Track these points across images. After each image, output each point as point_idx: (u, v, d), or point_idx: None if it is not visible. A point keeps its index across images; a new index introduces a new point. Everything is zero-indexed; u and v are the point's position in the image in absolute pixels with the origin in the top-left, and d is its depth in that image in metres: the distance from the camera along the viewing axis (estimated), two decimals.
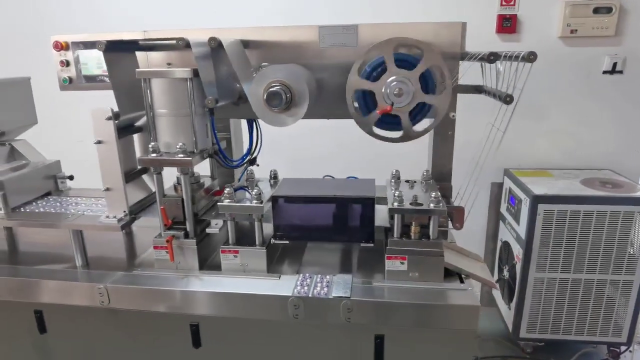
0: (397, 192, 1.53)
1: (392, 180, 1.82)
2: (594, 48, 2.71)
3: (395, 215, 1.55)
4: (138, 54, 1.86)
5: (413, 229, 1.56)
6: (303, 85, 1.51)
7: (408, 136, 1.53)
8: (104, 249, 1.93)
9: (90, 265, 1.81)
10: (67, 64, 1.97)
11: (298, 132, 2.92)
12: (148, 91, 1.61)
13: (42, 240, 2.03)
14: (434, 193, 1.53)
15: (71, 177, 2.15)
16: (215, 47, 1.52)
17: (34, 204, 1.95)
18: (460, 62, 1.74)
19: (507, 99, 1.40)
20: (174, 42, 1.53)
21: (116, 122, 1.65)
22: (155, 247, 1.70)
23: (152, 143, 1.62)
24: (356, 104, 1.60)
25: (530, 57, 1.34)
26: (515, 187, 2.69)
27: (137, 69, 1.61)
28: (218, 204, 1.64)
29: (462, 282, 1.60)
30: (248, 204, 1.62)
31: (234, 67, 1.54)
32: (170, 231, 1.67)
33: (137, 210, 1.81)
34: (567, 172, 2.80)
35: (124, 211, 1.72)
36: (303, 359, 1.66)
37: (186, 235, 1.68)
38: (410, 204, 1.54)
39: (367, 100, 1.52)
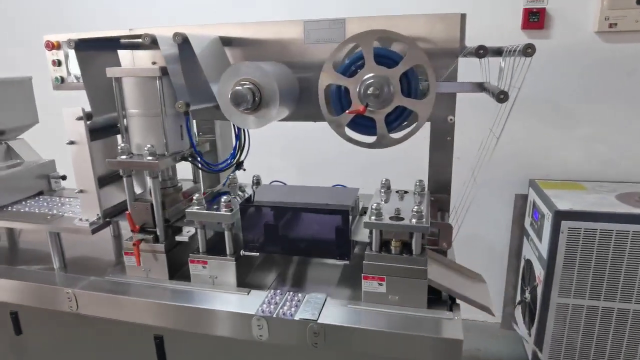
0: (375, 204, 1.37)
1: (382, 190, 1.65)
2: (637, 44, 2.38)
3: (374, 231, 1.38)
4: (124, 53, 1.81)
5: (393, 243, 1.38)
6: (274, 85, 1.38)
7: (381, 143, 1.36)
8: (87, 251, 1.90)
9: (69, 268, 1.77)
10: (59, 63, 1.95)
11: (309, 136, 2.80)
12: (119, 91, 1.55)
13: (31, 240, 2.03)
14: (416, 207, 1.35)
15: (64, 177, 2.14)
16: (181, 43, 1.42)
17: (23, 203, 1.95)
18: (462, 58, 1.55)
19: (500, 97, 1.21)
20: (140, 39, 1.45)
21: (88, 122, 1.59)
22: (125, 253, 1.63)
23: (122, 144, 1.56)
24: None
25: (528, 50, 1.13)
26: (539, 200, 2.41)
27: (107, 68, 1.54)
28: (186, 210, 1.55)
29: (452, 305, 1.41)
30: (217, 211, 1.51)
31: (201, 64, 1.43)
32: (140, 235, 1.60)
33: (115, 213, 1.75)
34: (602, 185, 2.48)
35: (97, 214, 1.67)
36: None
37: (156, 241, 1.60)
38: (391, 217, 1.37)
39: (342, 98, 1.36)
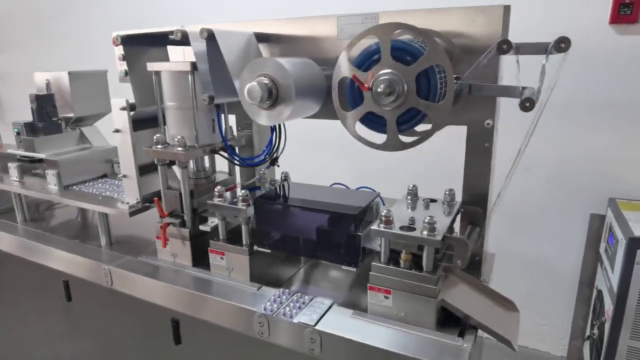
0: (385, 211, 1.28)
1: (408, 197, 1.54)
2: None
3: (382, 240, 1.29)
4: (177, 49, 1.92)
5: (402, 257, 1.28)
6: (290, 81, 1.36)
7: (390, 145, 1.25)
8: (136, 232, 2.05)
9: (115, 246, 1.93)
10: (124, 58, 2.13)
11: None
12: (158, 84, 1.65)
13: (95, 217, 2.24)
14: (428, 217, 1.23)
15: None
16: (208, 38, 1.46)
17: (87, 183, 2.17)
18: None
19: (525, 104, 1.04)
20: (172, 35, 1.52)
21: (132, 113, 1.71)
22: (157, 237, 1.73)
23: (157, 135, 1.65)
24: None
25: (561, 45, 0.96)
26: (615, 223, 2.08)
27: (147, 62, 1.64)
28: (207, 201, 1.59)
29: (465, 331, 1.26)
30: (234, 205, 1.53)
31: (225, 59, 1.46)
32: (168, 218, 1.68)
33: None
34: None
35: (137, 199, 1.79)
36: None
37: (182, 226, 1.67)
38: (401, 227, 1.27)
39: (355, 93, 1.28)
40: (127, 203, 1.79)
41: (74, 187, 2.11)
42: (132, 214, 1.77)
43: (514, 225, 2.56)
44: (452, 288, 1.37)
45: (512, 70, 1.40)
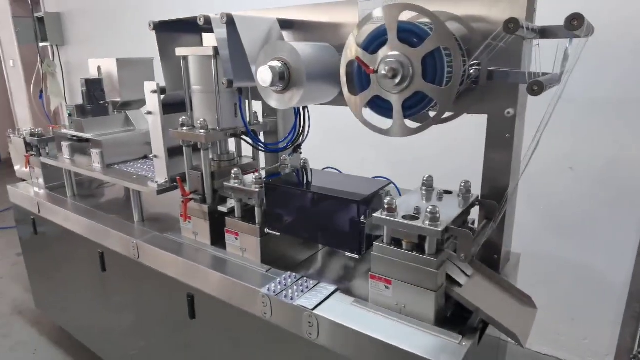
0: (388, 199, 1.25)
1: (423, 188, 1.48)
2: None
3: (385, 229, 1.26)
4: (210, 36, 1.99)
5: (405, 242, 1.24)
6: (302, 65, 1.36)
7: (396, 130, 1.21)
8: (167, 210, 2.16)
9: (147, 222, 2.05)
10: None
11: None
12: (185, 69, 1.72)
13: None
14: (430, 207, 1.18)
15: None
16: (228, 23, 1.50)
17: (128, 163, 2.31)
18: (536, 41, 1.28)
19: (533, 88, 0.97)
20: (196, 20, 1.57)
21: (163, 96, 1.80)
22: (180, 215, 1.81)
23: (183, 117, 1.72)
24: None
25: (573, 22, 0.88)
26: None
27: (176, 48, 1.72)
28: (223, 183, 1.64)
29: (467, 329, 1.21)
30: (247, 187, 1.56)
31: (244, 44, 1.49)
32: (191, 195, 1.75)
33: (183, 179, 1.95)
34: None
35: (165, 179, 1.88)
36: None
37: (203, 201, 1.73)
38: (404, 216, 1.23)
39: (362, 77, 1.26)
40: (157, 182, 1.89)
41: (116, 166, 2.26)
42: (159, 192, 1.86)
43: (558, 229, 2.39)
44: (468, 282, 1.31)
45: (545, 58, 1.30)
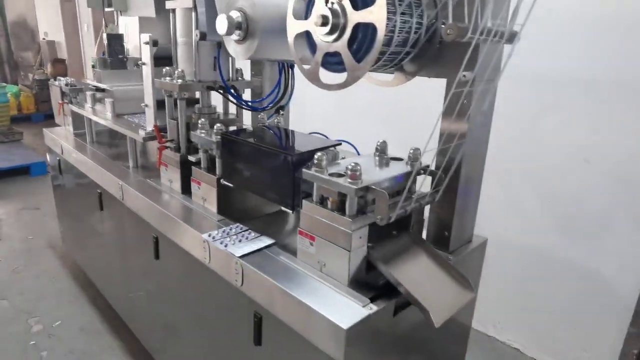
0: (318, 155, 1.22)
1: (377, 154, 1.43)
2: None
3: (315, 186, 1.24)
4: None
5: (330, 200, 1.21)
6: (259, 16, 1.36)
7: (353, 77, 1.14)
8: None
9: (142, 168, 2.18)
10: None
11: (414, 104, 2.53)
12: (173, 21, 1.78)
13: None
14: (352, 164, 1.14)
15: None
16: None
17: (138, 115, 2.45)
18: None
19: (447, 32, 0.88)
20: None
21: (155, 48, 1.88)
22: (159, 163, 1.90)
23: (167, 68, 1.79)
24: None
25: None
26: None
27: (167, 1, 1.78)
28: (191, 132, 1.69)
29: (378, 297, 1.16)
30: (208, 137, 1.60)
31: None
32: (167, 143, 1.83)
33: None
34: None
35: (153, 127, 1.98)
36: (207, 305, 1.61)
37: (177, 150, 1.80)
38: (331, 174, 1.20)
39: (312, 43, 1.22)
40: (145, 130, 1.99)
41: (126, 116, 2.41)
42: (146, 139, 1.97)
43: (567, 228, 2.17)
44: (402, 254, 1.26)
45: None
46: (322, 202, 1.24)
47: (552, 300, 2.32)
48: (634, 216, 1.99)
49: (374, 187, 1.13)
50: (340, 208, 1.20)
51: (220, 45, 1.74)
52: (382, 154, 1.41)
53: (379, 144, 1.42)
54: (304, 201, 1.26)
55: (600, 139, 2.00)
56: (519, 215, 2.35)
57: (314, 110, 3.18)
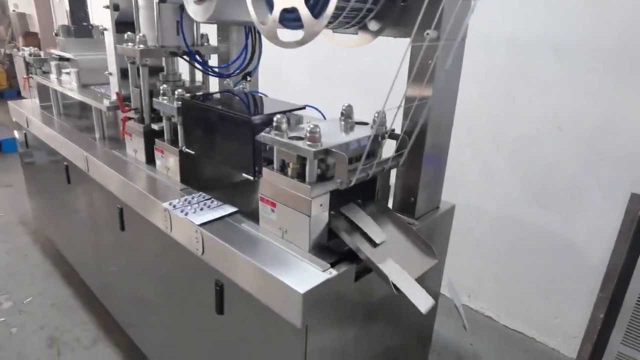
0: (278, 117, 1.17)
1: (342, 118, 1.38)
2: None
3: (275, 151, 1.20)
4: None
5: (290, 166, 1.17)
6: None
7: (310, 32, 1.09)
8: None
9: (109, 140, 2.10)
10: None
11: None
12: None
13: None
14: (311, 126, 1.10)
15: None
16: None
17: (105, 86, 2.35)
18: None
19: None
20: None
21: (116, 13, 1.79)
22: (124, 133, 1.84)
23: (128, 33, 1.71)
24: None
25: None
26: None
27: None
28: (153, 99, 1.63)
29: (340, 263, 1.14)
30: (169, 103, 1.54)
31: None
32: (130, 114, 1.76)
33: None
34: None
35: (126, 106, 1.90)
36: (172, 276, 1.58)
37: (141, 121, 1.74)
38: (291, 137, 1.16)
39: (270, 2, 1.16)
40: (110, 99, 1.92)
41: (92, 87, 2.32)
42: (110, 109, 1.89)
43: (540, 197, 2.17)
44: (362, 223, 1.24)
45: None
46: (283, 168, 1.21)
47: (525, 269, 2.34)
48: (605, 184, 1.99)
49: (333, 149, 1.10)
50: (301, 174, 1.16)
51: (183, 8, 1.67)
52: (347, 118, 1.37)
53: (344, 108, 1.38)
54: (264, 168, 1.22)
55: (574, 106, 1.99)
56: (492, 184, 2.35)
57: (290, 79, 3.11)
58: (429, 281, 1.57)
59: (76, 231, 2.36)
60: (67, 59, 2.35)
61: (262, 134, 1.19)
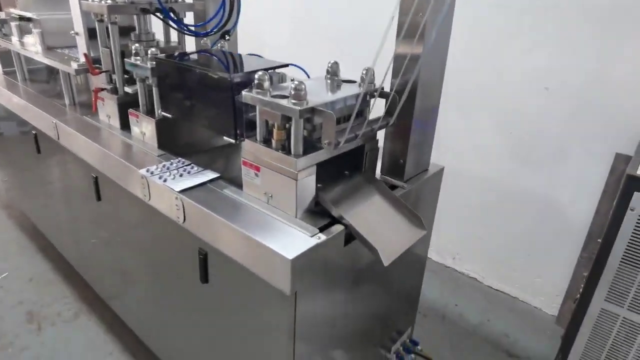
0: (259, 74, 1.10)
1: (328, 76, 1.31)
2: None
3: (257, 110, 1.13)
4: None
5: (275, 134, 1.11)
6: None
7: None
8: None
9: (80, 105, 1.98)
10: None
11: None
12: None
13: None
14: (295, 84, 1.03)
15: None
16: None
17: (74, 49, 2.20)
18: None
19: None
20: None
21: None
22: (95, 99, 1.73)
23: None
24: None
25: None
26: None
27: None
28: (125, 60, 1.52)
29: (330, 226, 1.10)
30: (143, 63, 1.44)
31: None
32: (101, 84, 1.65)
33: None
34: None
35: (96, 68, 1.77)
36: (153, 246, 1.53)
37: (115, 92, 1.64)
38: (274, 95, 1.09)
39: None
40: (78, 61, 1.79)
41: (58, 49, 2.16)
42: (79, 72, 1.77)
43: (526, 157, 2.15)
44: (347, 191, 1.20)
45: None
46: (267, 139, 1.14)
47: (509, 230, 2.36)
48: (590, 143, 1.98)
49: (320, 108, 1.03)
50: (285, 148, 1.10)
51: None
52: (333, 76, 1.30)
53: (329, 65, 1.30)
54: (247, 140, 1.15)
55: (560, 65, 1.95)
56: (477, 145, 2.32)
57: (270, 41, 2.99)
58: (416, 246, 1.55)
59: (51, 203, 2.26)
60: (29, 19, 2.18)
61: (243, 92, 1.11)
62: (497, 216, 2.38)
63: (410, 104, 1.27)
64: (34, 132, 2.05)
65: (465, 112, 2.30)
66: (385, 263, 1.05)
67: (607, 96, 1.87)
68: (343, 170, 1.28)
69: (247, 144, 1.15)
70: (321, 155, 1.11)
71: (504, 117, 2.19)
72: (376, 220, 1.17)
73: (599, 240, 1.98)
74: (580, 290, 1.89)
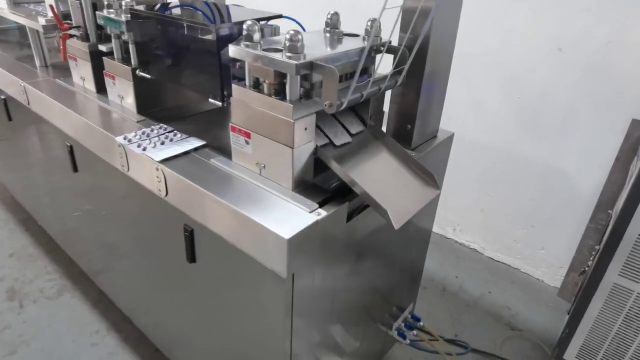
0: (249, 24, 0.94)
1: (327, 29, 1.16)
2: None
3: (247, 66, 0.98)
4: None
5: (266, 82, 0.96)
6: None
7: None
8: None
9: (52, 67, 1.81)
10: None
11: None
12: None
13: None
14: (290, 34, 0.88)
15: None
16: None
17: (42, 4, 2.00)
18: None
19: None
20: None
21: None
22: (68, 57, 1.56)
23: None
24: None
25: None
26: None
27: None
28: (97, 12, 1.34)
29: (332, 200, 0.97)
30: (117, 16, 1.27)
31: None
32: (72, 31, 1.48)
33: None
34: None
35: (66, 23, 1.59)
36: (135, 221, 1.41)
37: (86, 38, 1.47)
38: (266, 49, 0.94)
39: None
40: (46, 17, 1.61)
41: (25, 4, 1.96)
42: (46, 28, 1.59)
43: (533, 123, 2.03)
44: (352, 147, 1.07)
45: None
46: (258, 87, 0.99)
47: (512, 200, 2.26)
48: (601, 109, 1.85)
49: (320, 62, 0.89)
50: (279, 92, 0.96)
51: None
52: (333, 29, 1.15)
53: (329, 17, 1.14)
54: (234, 85, 1.00)
55: (576, 25, 1.79)
56: (482, 112, 2.19)
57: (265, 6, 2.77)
58: (422, 217, 1.44)
59: (28, 175, 2.11)
60: None
61: (231, 45, 0.96)
62: (500, 185, 2.28)
63: (421, 63, 1.12)
64: (2, 97, 1.87)
65: (468, 75, 2.15)
66: (396, 226, 0.94)
67: (624, 59, 1.73)
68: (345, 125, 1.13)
69: (235, 90, 1.00)
70: (319, 105, 0.96)
71: (510, 81, 2.04)
72: (385, 179, 1.05)
73: (610, 211, 1.89)
74: (590, 262, 1.81)
